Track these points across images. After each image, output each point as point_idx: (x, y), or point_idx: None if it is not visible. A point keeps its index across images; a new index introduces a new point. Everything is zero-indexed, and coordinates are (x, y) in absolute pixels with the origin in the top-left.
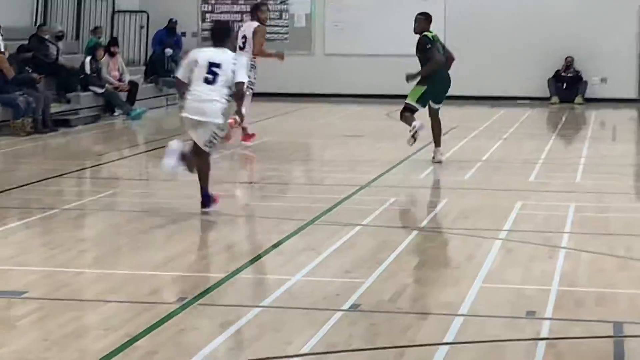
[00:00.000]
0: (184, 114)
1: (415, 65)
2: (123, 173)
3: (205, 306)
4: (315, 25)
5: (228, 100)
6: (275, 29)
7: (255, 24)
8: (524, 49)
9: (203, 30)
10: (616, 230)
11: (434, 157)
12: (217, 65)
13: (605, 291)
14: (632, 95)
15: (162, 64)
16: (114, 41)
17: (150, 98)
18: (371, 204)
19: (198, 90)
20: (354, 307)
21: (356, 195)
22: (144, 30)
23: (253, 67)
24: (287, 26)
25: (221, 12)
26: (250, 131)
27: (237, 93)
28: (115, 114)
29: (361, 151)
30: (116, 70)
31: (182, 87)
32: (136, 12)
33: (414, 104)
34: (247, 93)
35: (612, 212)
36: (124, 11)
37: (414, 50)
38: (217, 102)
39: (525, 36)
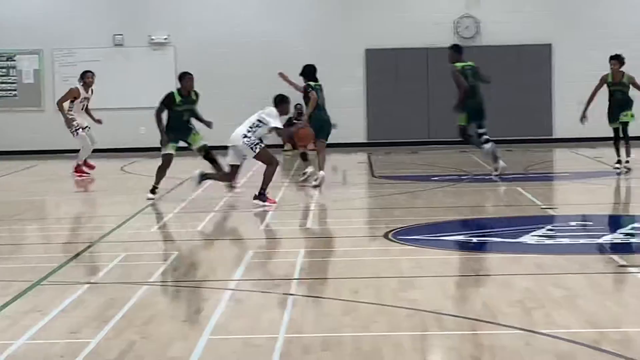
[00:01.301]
0: None
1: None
2: None
3: None
4: (44, 80)
5: None
6: (3, 85)
7: None
8: (256, 96)
9: None
10: (342, 274)
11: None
12: None
13: (330, 336)
14: (362, 139)
15: None
16: None
17: None
18: (101, 260)
19: None
20: None
21: (86, 252)
22: None
23: None
24: (15, 82)
25: None
26: None
27: None
28: None
29: (94, 206)
30: None
31: None
32: None
33: (464, 124)
34: None
35: (337, 256)
36: None
37: (147, 103)
38: None
39: (258, 85)
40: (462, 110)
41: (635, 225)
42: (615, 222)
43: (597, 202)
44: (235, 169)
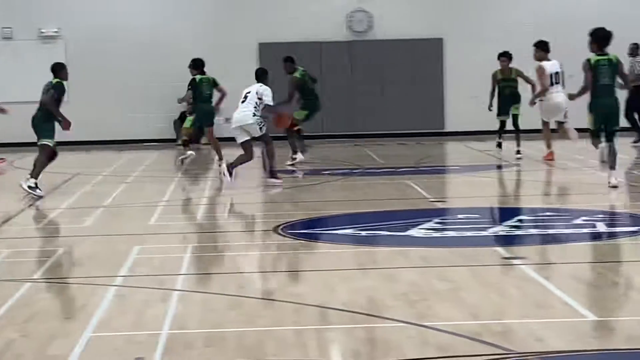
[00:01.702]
0: None
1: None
2: None
3: None
4: None
5: None
6: None
7: None
8: (149, 92)
9: None
10: (229, 269)
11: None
12: None
13: (214, 331)
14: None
15: None
16: None
17: None
18: None
19: None
20: None
21: None
22: None
23: None
24: None
25: None
26: None
27: None
28: None
29: None
30: None
31: None
32: None
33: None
34: None
35: (225, 250)
36: None
37: (37, 97)
38: None
39: (150, 79)
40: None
41: (521, 217)
42: (501, 215)
43: (485, 195)
44: (249, 144)
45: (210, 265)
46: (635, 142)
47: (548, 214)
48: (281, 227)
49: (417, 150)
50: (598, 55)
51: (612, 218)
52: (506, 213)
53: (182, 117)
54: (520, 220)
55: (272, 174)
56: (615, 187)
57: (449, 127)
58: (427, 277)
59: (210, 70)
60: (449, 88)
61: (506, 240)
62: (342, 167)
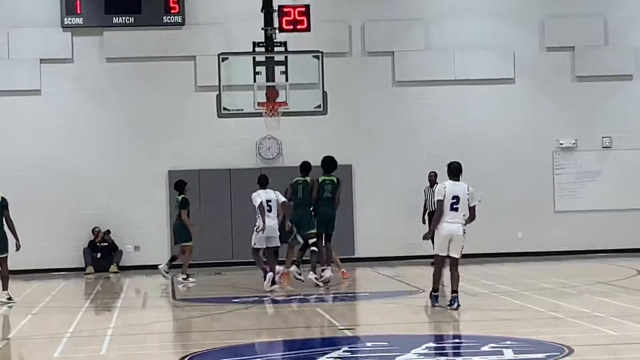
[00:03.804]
0: None
1: None
2: None
3: None
4: None
5: None
6: None
7: None
8: (57, 219)
9: None
10: None
11: None
12: None
13: None
14: (165, 261)
15: None
16: None
17: None
18: None
19: None
20: None
21: None
22: None
23: None
24: None
25: None
26: None
27: None
28: None
29: None
30: None
31: None
32: None
33: None
34: None
35: None
36: None
37: None
38: None
39: (57, 206)
40: None
41: (429, 344)
42: (410, 342)
43: (394, 322)
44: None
45: None
46: None
47: (457, 341)
48: (188, 357)
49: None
50: None
51: (520, 345)
52: (415, 341)
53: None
54: (428, 348)
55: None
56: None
57: (359, 253)
58: None
59: (122, 199)
60: (358, 213)
61: None
62: (250, 295)
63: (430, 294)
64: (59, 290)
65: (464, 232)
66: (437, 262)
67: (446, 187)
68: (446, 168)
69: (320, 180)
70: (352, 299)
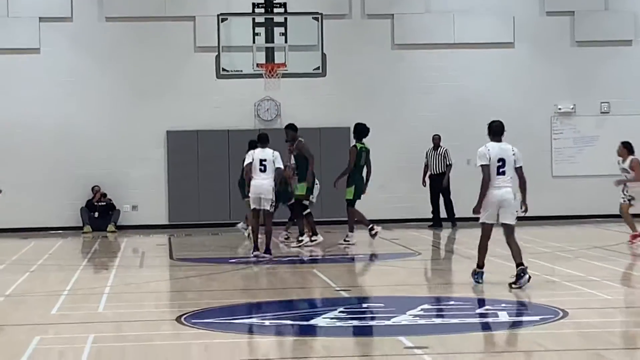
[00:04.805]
0: None
1: None
2: None
3: None
4: None
5: None
6: None
7: None
8: (54, 178)
9: None
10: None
11: None
12: None
13: None
14: (163, 221)
15: None
16: None
17: None
18: None
19: None
20: None
21: None
22: None
23: None
24: None
25: None
26: None
27: None
28: None
29: None
30: None
31: None
32: None
33: None
34: None
35: (129, 341)
36: None
37: None
38: None
39: (55, 165)
40: None
41: (425, 306)
42: (405, 304)
43: (391, 284)
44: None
45: (112, 355)
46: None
47: (452, 303)
48: (184, 316)
49: (324, 238)
50: None
51: (515, 308)
52: (411, 302)
53: (92, 206)
54: (424, 309)
55: (268, 250)
56: None
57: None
58: None
59: (120, 158)
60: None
61: (409, 330)
62: (247, 256)
63: (474, 270)
64: (56, 248)
65: (515, 196)
66: (485, 232)
67: (490, 150)
68: (486, 128)
69: (358, 147)
70: (349, 260)
